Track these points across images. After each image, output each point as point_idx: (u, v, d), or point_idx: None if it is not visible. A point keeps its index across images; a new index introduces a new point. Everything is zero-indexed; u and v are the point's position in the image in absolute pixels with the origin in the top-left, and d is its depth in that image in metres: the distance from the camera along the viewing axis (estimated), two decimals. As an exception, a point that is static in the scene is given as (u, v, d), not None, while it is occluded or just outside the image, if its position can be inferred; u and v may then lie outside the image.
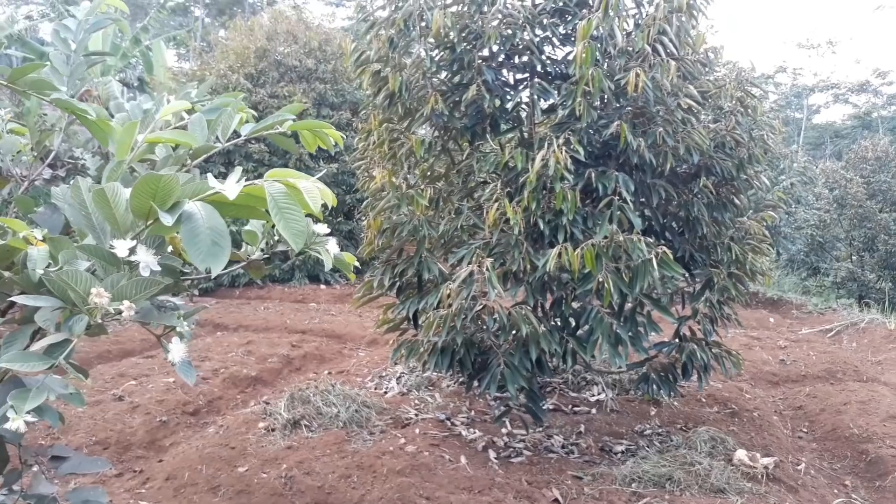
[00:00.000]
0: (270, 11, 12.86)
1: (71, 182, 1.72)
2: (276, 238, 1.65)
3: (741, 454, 4.00)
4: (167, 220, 1.10)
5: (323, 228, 1.58)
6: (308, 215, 1.35)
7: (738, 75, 4.35)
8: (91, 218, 1.26)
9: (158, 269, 1.14)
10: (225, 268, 1.66)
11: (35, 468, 1.85)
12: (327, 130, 1.69)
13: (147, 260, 1.13)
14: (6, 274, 1.44)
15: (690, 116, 3.95)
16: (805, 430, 5.13)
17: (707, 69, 4.29)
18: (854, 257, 12.41)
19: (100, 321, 1.09)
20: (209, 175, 1.27)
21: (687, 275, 4.29)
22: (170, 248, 1.46)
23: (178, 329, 1.23)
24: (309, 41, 11.81)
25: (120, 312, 1.07)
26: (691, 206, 4.07)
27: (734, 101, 4.18)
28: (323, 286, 10.73)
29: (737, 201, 4.32)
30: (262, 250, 1.64)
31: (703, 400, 5.30)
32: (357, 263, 1.78)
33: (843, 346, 7.99)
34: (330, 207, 1.42)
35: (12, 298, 1.18)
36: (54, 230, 1.59)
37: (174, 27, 23.73)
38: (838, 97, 30.37)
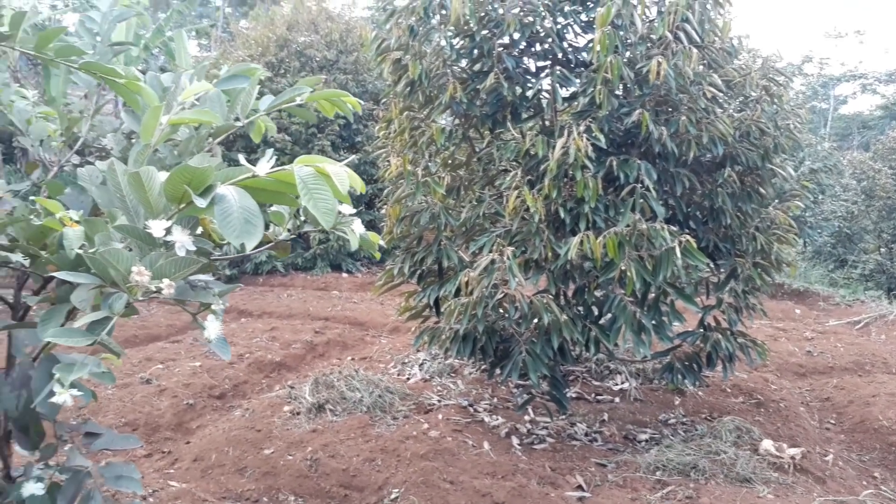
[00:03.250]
0: (292, 0, 12.88)
1: (100, 165, 1.77)
2: (303, 219, 1.68)
3: (767, 444, 3.98)
4: (201, 202, 1.13)
5: (348, 209, 1.60)
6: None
7: (764, 63, 4.30)
8: (125, 200, 1.29)
9: (194, 248, 1.18)
10: (254, 248, 1.70)
11: (68, 445, 1.91)
12: (345, 98, 1.71)
13: (183, 240, 1.17)
14: (42, 254, 1.49)
15: (714, 105, 3.92)
16: (832, 421, 5.08)
17: (732, 57, 4.25)
18: (883, 249, 12.21)
19: (140, 299, 1.13)
20: (241, 157, 1.30)
21: (711, 264, 4.27)
22: (200, 230, 1.50)
23: (213, 307, 1.27)
24: (330, 32, 11.82)
25: (159, 290, 1.11)
26: (715, 196, 4.05)
27: (759, 90, 4.14)
28: (345, 274, 10.80)
29: (762, 191, 4.28)
30: (289, 231, 1.67)
31: (728, 390, 5.28)
32: (383, 242, 1.81)
33: (871, 339, 7.88)
34: (357, 193, 1.44)
35: (54, 274, 1.22)
36: (82, 212, 1.63)
37: (195, 17, 23.92)
38: (866, 87, 29.77)
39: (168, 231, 1.17)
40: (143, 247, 1.20)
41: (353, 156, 11.14)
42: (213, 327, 1.26)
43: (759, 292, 4.37)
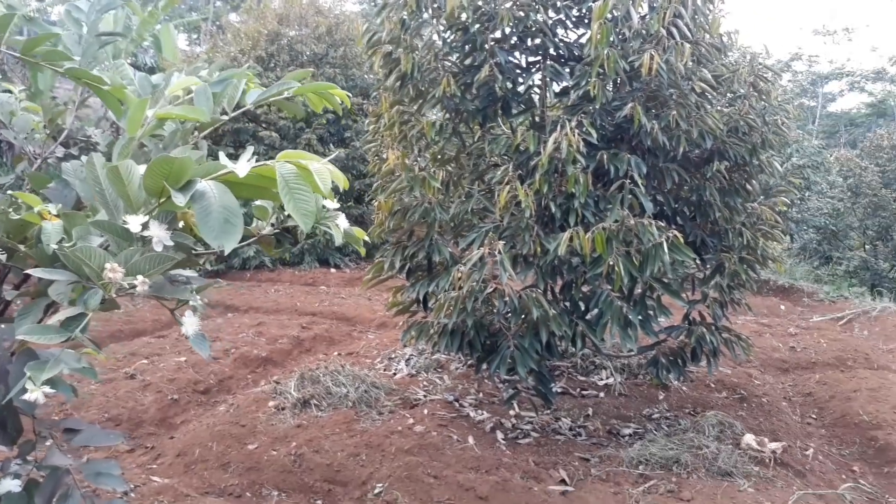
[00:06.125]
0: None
1: (84, 159, 1.74)
2: (287, 214, 1.66)
3: (749, 438, 4.01)
4: (180, 199, 1.11)
5: (333, 204, 1.58)
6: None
7: (753, 60, 4.31)
8: (104, 194, 1.26)
9: (171, 244, 1.15)
10: (239, 242, 1.67)
11: (49, 440, 1.88)
12: (332, 91, 1.69)
13: (160, 235, 1.14)
14: (21, 248, 1.46)
15: (704, 100, 3.93)
16: (814, 416, 5.12)
17: (722, 53, 4.25)
18: (867, 246, 12.31)
19: (114, 295, 1.10)
20: (221, 154, 1.28)
21: (698, 260, 4.28)
22: (181, 224, 1.48)
23: (191, 303, 1.24)
24: (319, 26, 11.74)
25: (134, 287, 1.08)
26: (703, 191, 4.07)
27: (748, 86, 4.16)
28: (333, 270, 10.76)
29: (749, 186, 4.31)
30: (273, 225, 1.65)
31: (712, 385, 5.31)
32: (367, 238, 1.79)
33: (854, 335, 7.94)
34: (341, 190, 1.42)
35: (28, 272, 1.19)
36: (66, 205, 1.60)
37: (184, 10, 23.66)
38: (854, 85, 29.86)
39: (145, 226, 1.15)
40: (121, 242, 1.18)
41: (341, 150, 11.07)
42: (190, 323, 1.23)
43: (745, 288, 4.38)
